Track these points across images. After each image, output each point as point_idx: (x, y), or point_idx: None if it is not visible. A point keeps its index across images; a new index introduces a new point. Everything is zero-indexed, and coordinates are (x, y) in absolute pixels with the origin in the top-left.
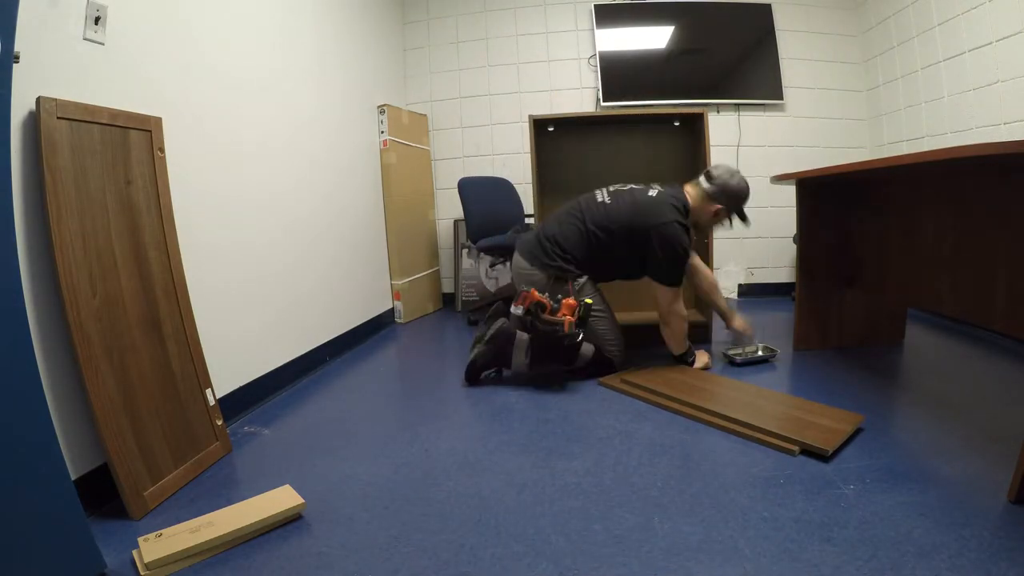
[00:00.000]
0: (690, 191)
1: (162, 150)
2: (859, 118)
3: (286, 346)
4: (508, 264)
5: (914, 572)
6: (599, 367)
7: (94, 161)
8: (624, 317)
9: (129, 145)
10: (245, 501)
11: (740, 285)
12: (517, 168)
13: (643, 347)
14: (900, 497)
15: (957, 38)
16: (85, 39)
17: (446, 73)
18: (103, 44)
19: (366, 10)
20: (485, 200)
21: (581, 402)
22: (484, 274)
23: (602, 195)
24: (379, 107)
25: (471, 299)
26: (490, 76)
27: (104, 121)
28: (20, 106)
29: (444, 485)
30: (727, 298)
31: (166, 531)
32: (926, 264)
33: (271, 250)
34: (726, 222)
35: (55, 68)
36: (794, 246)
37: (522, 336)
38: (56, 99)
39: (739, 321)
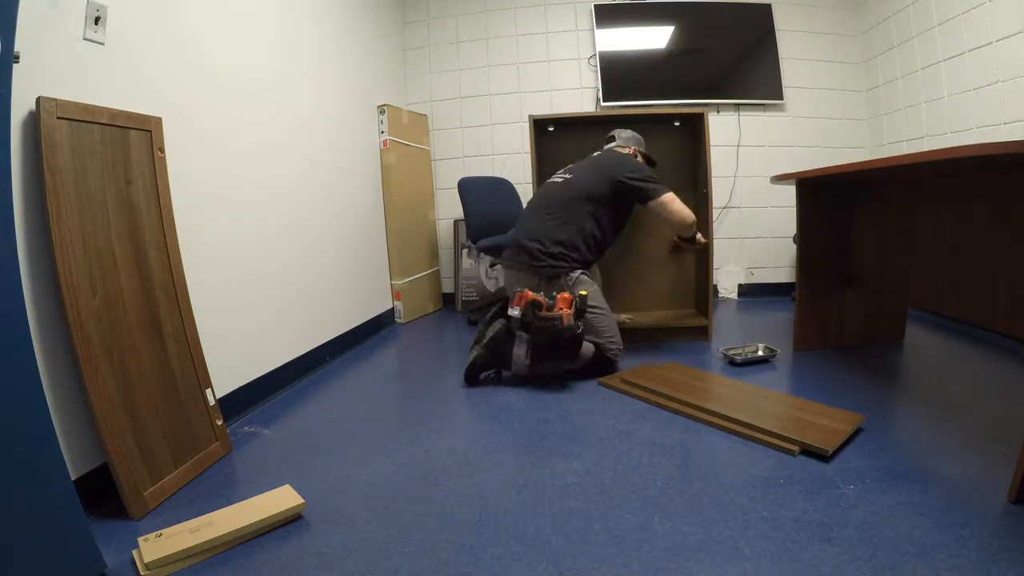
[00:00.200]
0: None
1: (162, 150)
2: (859, 118)
3: (286, 346)
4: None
5: (914, 572)
6: (599, 367)
7: (94, 161)
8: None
9: (129, 145)
10: (245, 501)
11: (740, 285)
12: (517, 168)
13: (644, 347)
14: (900, 497)
15: (957, 38)
16: (85, 39)
17: (446, 73)
18: (103, 44)
19: (366, 10)
20: (485, 200)
21: (581, 402)
22: (484, 274)
23: (560, 177)
24: (379, 107)
25: (471, 299)
26: (490, 76)
27: (104, 121)
28: (20, 106)
29: (444, 485)
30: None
31: (166, 531)
32: (926, 264)
33: (271, 250)
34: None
35: (55, 68)
36: (794, 246)
37: (521, 336)
38: (56, 99)
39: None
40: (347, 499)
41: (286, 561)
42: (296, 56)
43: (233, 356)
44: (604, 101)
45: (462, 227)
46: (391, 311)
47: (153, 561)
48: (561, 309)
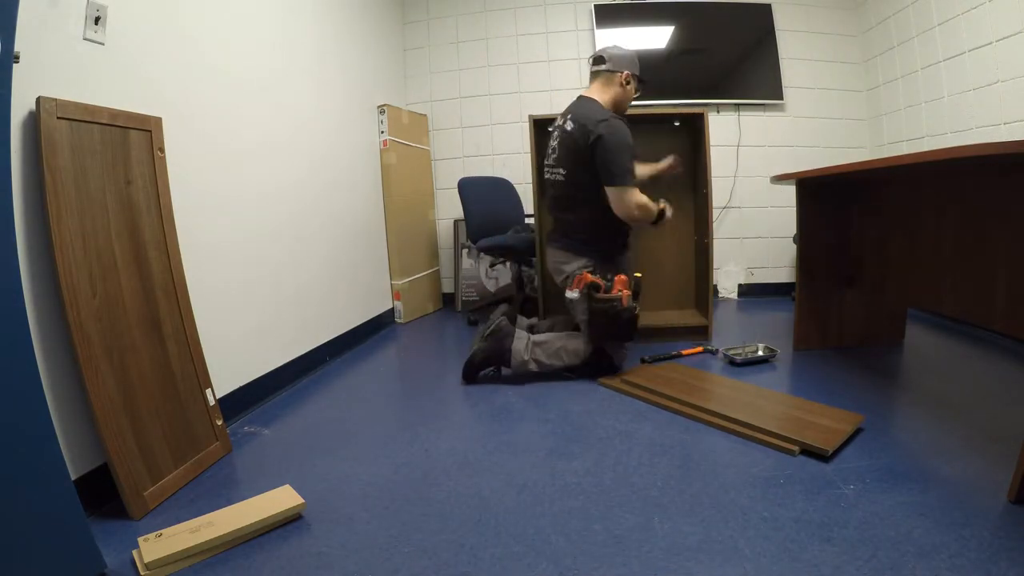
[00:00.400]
0: (595, 89)
1: (162, 150)
2: (859, 118)
3: (286, 346)
4: (508, 264)
5: (914, 572)
6: (601, 367)
7: (94, 161)
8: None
9: (129, 145)
10: (245, 501)
11: (740, 285)
12: (517, 168)
13: (645, 347)
14: (900, 497)
15: (957, 38)
16: (85, 39)
17: (446, 73)
18: (103, 44)
19: (366, 10)
20: (485, 200)
21: (581, 402)
22: (484, 274)
23: (553, 174)
24: (379, 107)
25: (471, 299)
26: (490, 76)
27: (104, 121)
28: (20, 106)
29: (444, 485)
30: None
31: (166, 531)
32: (926, 264)
33: (271, 250)
34: (637, 87)
35: (55, 68)
36: (794, 246)
37: (521, 332)
38: (56, 99)
39: (665, 162)
40: (347, 499)
41: (286, 561)
42: (296, 56)
43: (233, 356)
44: None
45: (462, 227)
46: (391, 311)
47: (153, 561)
48: (620, 290)
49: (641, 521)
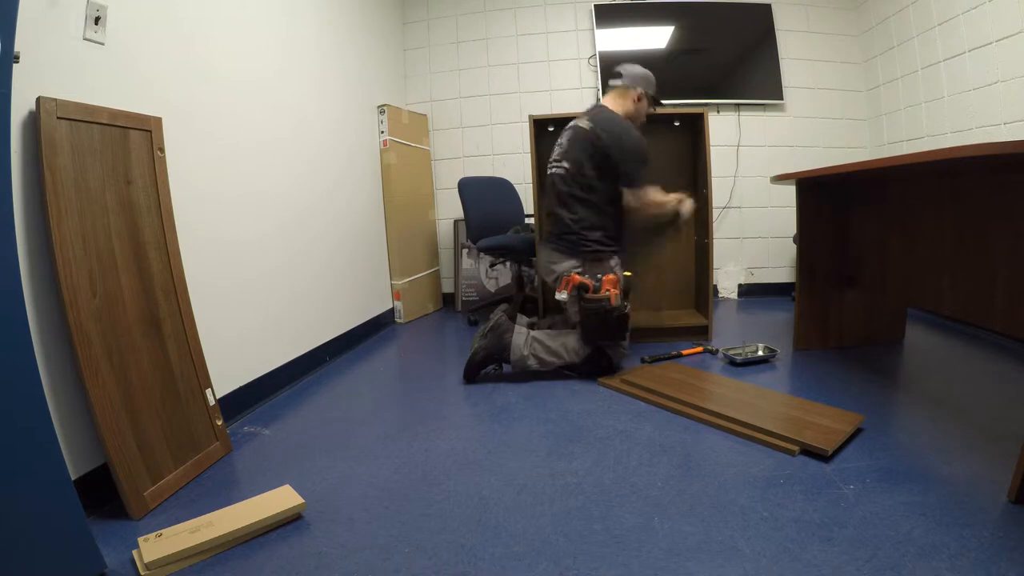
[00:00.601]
0: (610, 101)
1: (162, 150)
2: (859, 118)
3: (286, 346)
4: (508, 264)
5: (914, 572)
6: (600, 366)
7: (94, 161)
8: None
9: (129, 145)
10: (245, 501)
11: (740, 285)
12: (517, 168)
13: (645, 347)
14: (900, 497)
15: (957, 38)
16: (85, 39)
17: (446, 73)
18: (103, 44)
19: (366, 10)
20: (485, 200)
21: (581, 402)
22: (484, 274)
23: (556, 168)
24: (379, 107)
25: (471, 299)
26: (490, 76)
27: (104, 121)
28: (20, 106)
29: (444, 485)
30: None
31: (166, 531)
32: (926, 264)
33: (271, 250)
34: (650, 105)
35: (55, 68)
36: (794, 246)
37: (520, 328)
38: (56, 99)
39: (689, 204)
40: (347, 499)
41: (286, 561)
42: (296, 56)
43: (233, 356)
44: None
45: (462, 227)
46: (391, 311)
47: (153, 561)
48: (608, 290)
49: (641, 521)
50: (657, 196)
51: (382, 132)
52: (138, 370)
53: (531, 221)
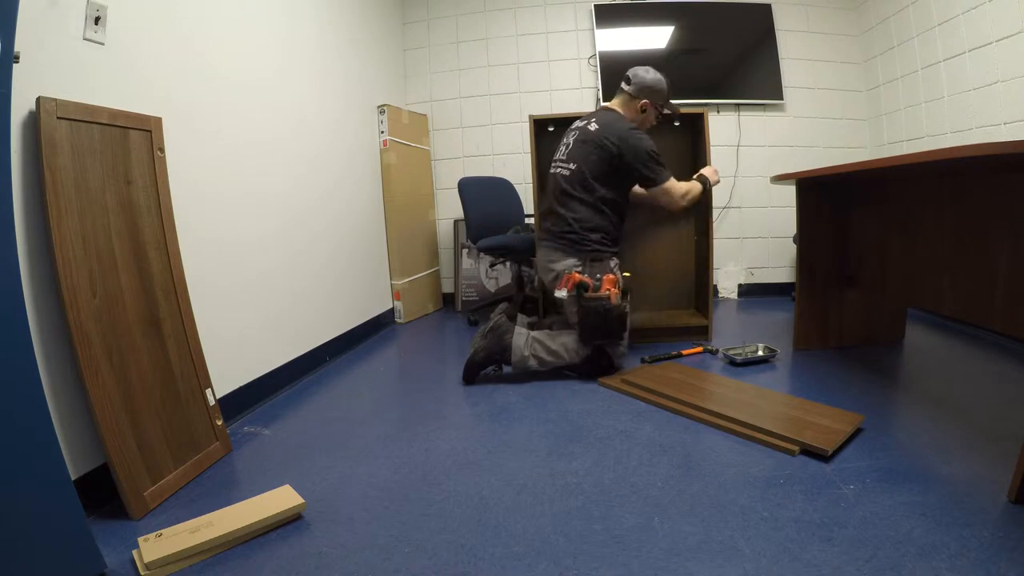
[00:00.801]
0: (617, 104)
1: (162, 150)
2: (859, 118)
3: (286, 346)
4: (508, 264)
5: (914, 572)
6: (600, 366)
7: (94, 161)
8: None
9: (129, 145)
10: (245, 501)
11: (740, 285)
12: (517, 168)
13: (645, 347)
14: (900, 497)
15: (957, 38)
16: (85, 39)
17: (446, 73)
18: (103, 44)
19: (366, 10)
20: (485, 200)
21: (581, 402)
22: (484, 274)
23: (561, 168)
24: (379, 107)
25: (471, 299)
26: (490, 76)
27: (104, 121)
28: (20, 106)
29: (444, 485)
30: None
31: (166, 531)
32: (926, 264)
33: (271, 250)
34: (657, 116)
35: (55, 68)
36: (794, 246)
37: (520, 328)
38: (56, 99)
39: (709, 170)
40: (347, 499)
41: (286, 561)
42: (296, 56)
43: (233, 356)
44: (604, 101)
45: (462, 227)
46: (391, 311)
47: (153, 561)
48: (608, 289)
49: (641, 521)
50: (682, 186)
51: (382, 132)
52: (138, 370)
53: (531, 221)
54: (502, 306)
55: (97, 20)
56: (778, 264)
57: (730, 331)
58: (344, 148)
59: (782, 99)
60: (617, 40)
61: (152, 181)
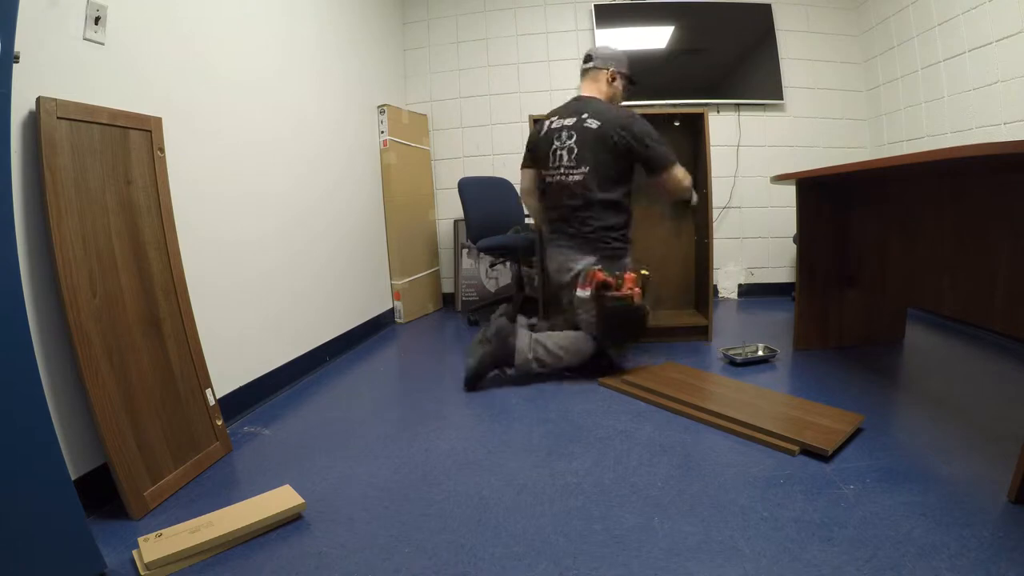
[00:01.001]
0: (590, 86)
1: (162, 150)
2: (859, 118)
3: (286, 346)
4: (508, 264)
5: (914, 572)
6: (601, 366)
7: (94, 161)
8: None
9: (129, 145)
10: (245, 501)
11: (740, 285)
12: (517, 168)
13: (644, 347)
14: (900, 497)
15: (957, 38)
16: (85, 39)
17: (446, 73)
18: (103, 44)
19: (366, 10)
20: (485, 200)
21: (581, 402)
22: (484, 274)
23: (572, 175)
24: (379, 107)
25: (471, 299)
26: (490, 76)
27: (104, 121)
28: (20, 106)
29: (444, 485)
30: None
31: (166, 531)
32: (926, 264)
33: (271, 250)
34: (626, 86)
35: (55, 68)
36: (794, 246)
37: (523, 330)
38: (56, 99)
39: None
40: (347, 499)
41: (286, 561)
42: (296, 56)
43: (233, 356)
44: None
45: (462, 227)
46: (391, 311)
47: (153, 561)
48: (630, 288)
49: (641, 521)
50: (681, 168)
51: (382, 132)
52: (138, 370)
53: (531, 221)
54: (502, 307)
55: (97, 20)
56: (778, 264)
57: (730, 331)
58: (344, 148)
59: (782, 99)
60: (617, 40)
61: (152, 181)
